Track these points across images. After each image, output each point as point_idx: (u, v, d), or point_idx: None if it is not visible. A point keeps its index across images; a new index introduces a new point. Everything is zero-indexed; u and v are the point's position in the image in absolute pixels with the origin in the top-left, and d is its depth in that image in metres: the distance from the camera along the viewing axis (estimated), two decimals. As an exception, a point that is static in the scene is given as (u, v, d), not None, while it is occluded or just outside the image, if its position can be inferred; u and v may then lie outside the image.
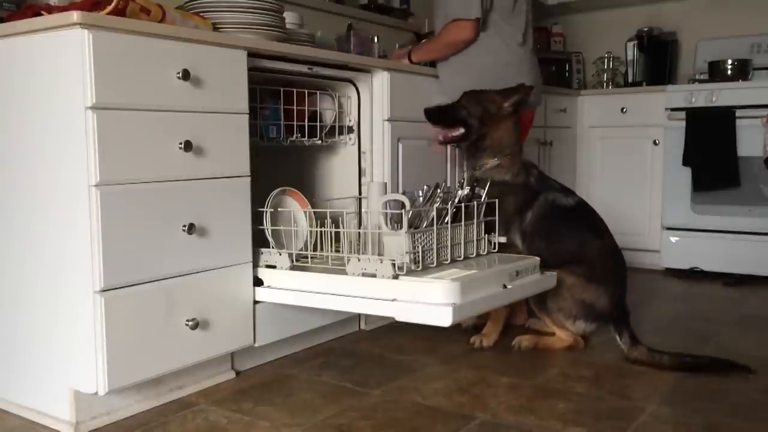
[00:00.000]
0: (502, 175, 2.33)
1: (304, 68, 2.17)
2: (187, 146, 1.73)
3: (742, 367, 2.00)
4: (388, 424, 1.66)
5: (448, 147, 2.67)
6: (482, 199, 2.12)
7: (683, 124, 3.45)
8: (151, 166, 1.66)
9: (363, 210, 2.41)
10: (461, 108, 2.40)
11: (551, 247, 2.21)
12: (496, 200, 2.16)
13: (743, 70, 3.52)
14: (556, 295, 2.19)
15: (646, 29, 3.97)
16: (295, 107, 2.23)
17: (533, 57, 2.69)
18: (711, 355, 2.12)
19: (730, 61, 3.54)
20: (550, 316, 2.25)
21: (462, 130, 2.40)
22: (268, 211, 1.99)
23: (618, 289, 2.25)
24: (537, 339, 2.28)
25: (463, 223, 2.03)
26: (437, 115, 2.44)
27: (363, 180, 2.45)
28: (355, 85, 2.42)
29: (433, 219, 1.94)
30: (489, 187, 2.18)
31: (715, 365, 2.04)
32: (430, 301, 1.70)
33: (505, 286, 1.89)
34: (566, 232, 2.28)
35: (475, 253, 2.09)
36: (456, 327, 2.42)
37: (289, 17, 2.53)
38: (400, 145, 2.45)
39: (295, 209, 2.09)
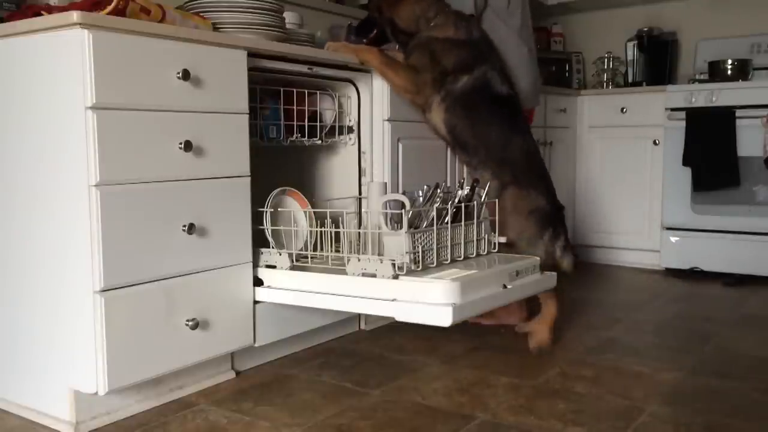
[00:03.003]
0: (443, 32, 2.29)
1: (304, 68, 2.17)
2: (187, 146, 1.73)
3: None
4: (388, 424, 1.66)
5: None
6: (482, 199, 2.12)
7: (683, 124, 3.45)
8: (151, 166, 1.66)
9: (363, 210, 2.41)
10: (368, 11, 2.42)
11: (476, 133, 2.24)
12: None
13: (743, 70, 3.52)
14: (512, 226, 2.20)
15: (646, 29, 3.97)
16: (295, 107, 2.23)
17: (532, 56, 2.69)
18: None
19: (730, 61, 3.54)
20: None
21: (374, 31, 2.41)
22: (268, 211, 1.99)
23: (546, 187, 2.28)
24: (545, 328, 2.25)
25: (463, 223, 2.03)
26: (358, 29, 2.50)
27: (363, 180, 2.45)
28: (355, 85, 2.42)
29: (433, 219, 1.94)
30: (433, 44, 2.20)
31: None
32: (430, 301, 1.70)
33: (505, 286, 1.89)
34: (495, 122, 2.27)
35: (475, 253, 2.09)
36: (456, 327, 2.42)
37: (289, 17, 2.53)
38: (400, 145, 2.45)
39: (295, 209, 2.09)
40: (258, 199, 1.97)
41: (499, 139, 2.27)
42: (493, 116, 2.28)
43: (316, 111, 2.34)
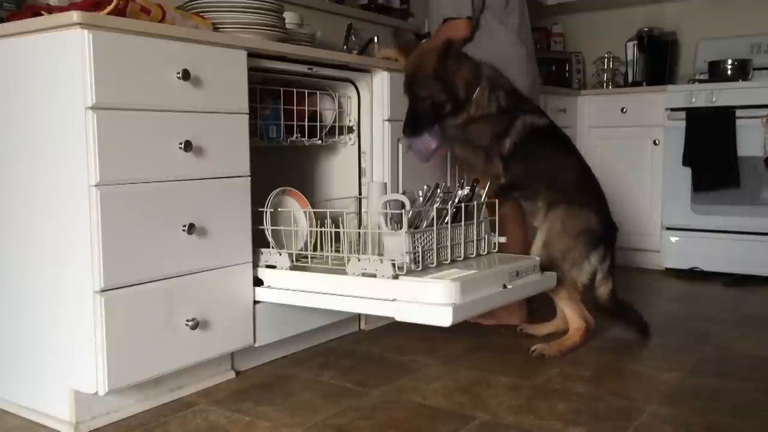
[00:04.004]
0: (482, 110, 2.29)
1: (304, 68, 2.17)
2: (187, 146, 1.73)
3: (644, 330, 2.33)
4: (388, 424, 1.66)
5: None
6: (482, 199, 2.12)
7: (683, 124, 3.45)
8: (150, 166, 1.66)
9: (363, 210, 2.41)
10: (420, 100, 2.25)
11: (529, 168, 2.27)
12: (495, 205, 2.17)
13: (743, 70, 3.52)
14: (558, 246, 2.19)
15: (646, 29, 3.97)
16: (295, 107, 2.23)
17: (530, 57, 2.68)
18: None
19: (730, 61, 3.54)
20: (567, 288, 2.21)
21: (433, 123, 2.26)
22: (268, 211, 1.99)
23: (600, 206, 2.29)
24: (558, 346, 2.19)
25: (463, 223, 2.03)
26: (414, 127, 2.28)
27: (363, 180, 2.45)
28: (355, 85, 2.42)
29: (433, 219, 1.94)
30: (472, 124, 2.24)
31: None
32: (430, 301, 1.70)
33: (505, 286, 1.89)
34: (542, 152, 2.31)
35: (475, 253, 2.09)
36: (456, 327, 2.42)
37: (289, 17, 2.53)
38: (400, 145, 2.45)
39: (295, 209, 2.09)
40: (258, 199, 1.97)
41: (547, 165, 2.30)
42: (541, 149, 2.31)
43: (316, 111, 2.34)
